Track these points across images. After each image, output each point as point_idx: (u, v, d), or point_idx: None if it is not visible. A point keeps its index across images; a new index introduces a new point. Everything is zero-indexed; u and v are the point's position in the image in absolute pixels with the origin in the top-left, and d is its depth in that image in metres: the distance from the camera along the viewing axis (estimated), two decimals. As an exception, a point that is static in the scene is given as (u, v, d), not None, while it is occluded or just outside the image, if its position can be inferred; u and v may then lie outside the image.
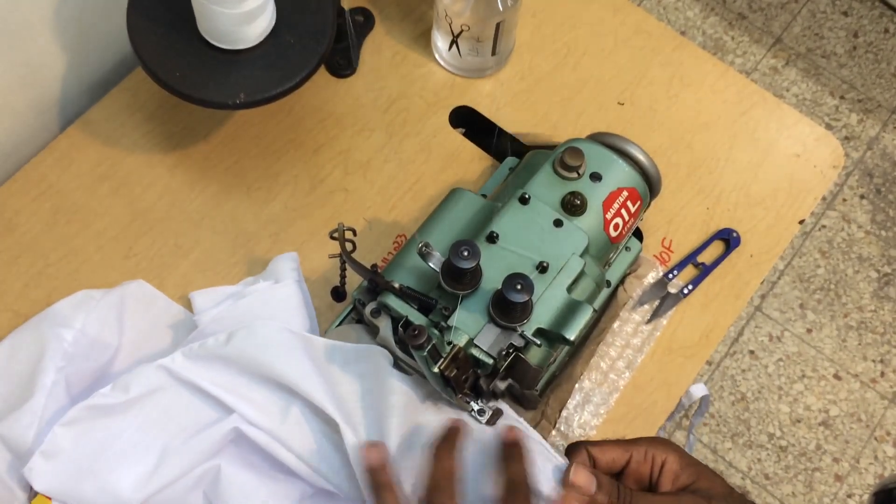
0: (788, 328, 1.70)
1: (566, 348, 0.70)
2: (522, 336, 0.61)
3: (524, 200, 0.67)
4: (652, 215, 0.82)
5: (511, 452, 0.57)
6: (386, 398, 0.63)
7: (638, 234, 0.81)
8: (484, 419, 0.64)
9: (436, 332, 0.61)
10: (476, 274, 0.62)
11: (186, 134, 0.83)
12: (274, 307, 0.72)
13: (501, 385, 0.62)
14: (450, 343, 0.60)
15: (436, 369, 0.59)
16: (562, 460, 0.60)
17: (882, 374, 1.67)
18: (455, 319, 0.61)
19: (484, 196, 0.73)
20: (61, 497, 0.64)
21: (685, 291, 0.79)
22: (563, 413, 0.73)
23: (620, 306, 0.78)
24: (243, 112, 0.83)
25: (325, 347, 0.67)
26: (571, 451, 0.61)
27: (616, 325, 0.77)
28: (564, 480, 0.58)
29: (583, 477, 0.57)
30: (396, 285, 0.63)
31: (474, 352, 0.61)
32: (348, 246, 0.66)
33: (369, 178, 0.82)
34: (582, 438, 0.70)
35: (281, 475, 0.67)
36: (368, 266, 0.64)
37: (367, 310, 0.65)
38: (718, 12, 1.97)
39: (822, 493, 1.59)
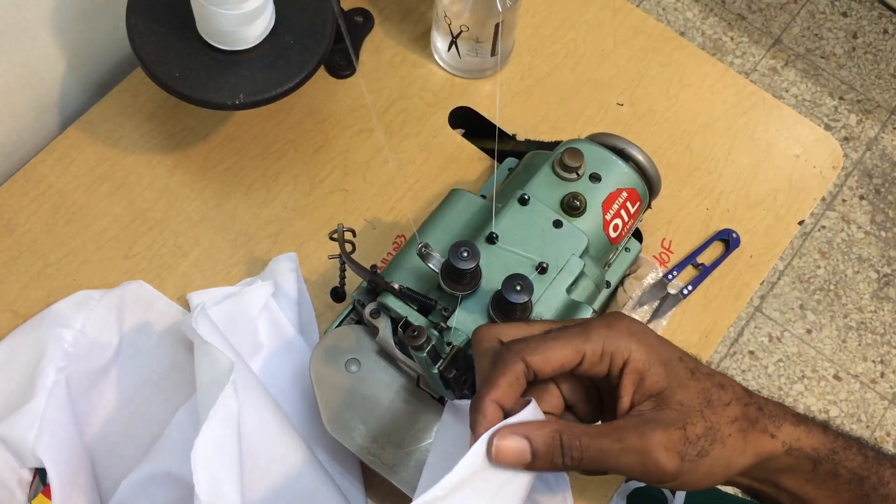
0: (788, 329, 1.70)
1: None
2: (522, 337, 0.61)
3: (524, 201, 0.67)
4: (651, 216, 0.82)
5: None
6: None
7: (637, 235, 0.81)
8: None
9: (435, 332, 0.61)
10: (476, 275, 0.62)
11: (186, 134, 0.83)
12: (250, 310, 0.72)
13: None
14: (449, 344, 0.60)
15: (435, 370, 0.59)
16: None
17: (882, 374, 1.67)
18: (455, 320, 0.61)
19: (483, 197, 0.73)
20: None
21: (685, 292, 0.79)
22: (563, 414, 0.73)
23: (620, 307, 0.78)
24: (243, 112, 0.83)
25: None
26: (500, 365, 0.47)
27: (615, 325, 0.77)
28: (488, 454, 0.45)
29: (511, 450, 0.44)
30: (396, 286, 0.63)
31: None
32: (348, 247, 0.66)
33: (369, 179, 0.82)
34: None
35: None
36: (368, 267, 0.64)
37: (367, 310, 0.65)
38: (718, 13, 1.97)
39: (821, 493, 1.58)
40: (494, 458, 0.45)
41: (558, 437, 0.46)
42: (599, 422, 0.53)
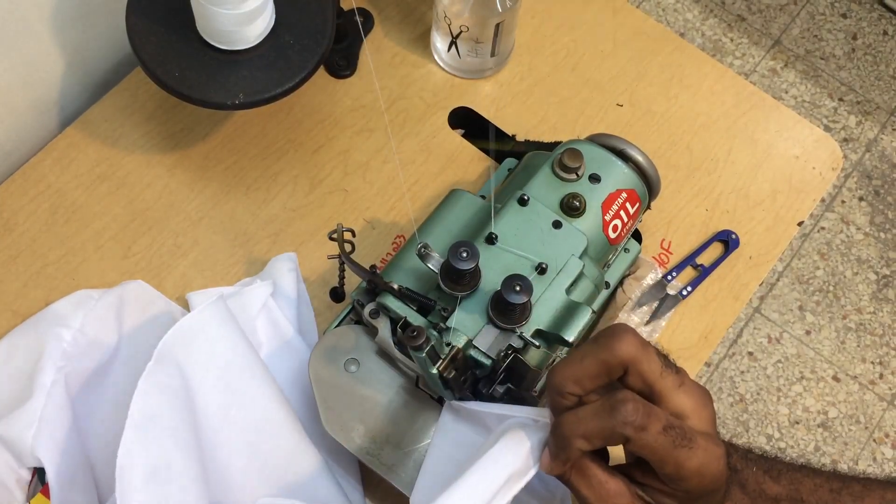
0: (787, 330, 1.70)
1: (565, 350, 0.70)
2: (521, 337, 0.61)
3: (523, 202, 0.67)
4: (651, 217, 0.82)
5: None
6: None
7: (637, 236, 0.81)
8: (482, 420, 0.64)
9: (434, 333, 0.61)
10: (475, 275, 0.62)
11: (185, 134, 0.83)
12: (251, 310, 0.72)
13: (500, 387, 0.62)
14: (448, 344, 0.60)
15: (434, 370, 0.59)
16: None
17: (881, 375, 1.67)
18: (454, 320, 0.61)
19: (483, 197, 0.73)
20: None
21: (684, 293, 0.79)
22: (562, 414, 0.73)
23: (619, 308, 0.78)
24: (242, 112, 0.83)
25: None
26: (615, 416, 0.46)
27: (615, 326, 0.77)
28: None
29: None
30: (395, 286, 0.63)
31: (473, 353, 0.61)
32: (347, 247, 0.66)
33: (368, 179, 0.82)
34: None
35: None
36: (367, 267, 0.64)
37: (366, 311, 0.65)
38: (717, 14, 1.97)
39: (820, 494, 1.58)
40: None
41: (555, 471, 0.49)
42: None
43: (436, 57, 0.87)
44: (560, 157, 0.68)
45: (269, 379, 0.67)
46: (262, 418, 0.65)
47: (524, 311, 0.60)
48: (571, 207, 0.67)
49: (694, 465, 0.47)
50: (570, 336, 0.61)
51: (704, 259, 0.81)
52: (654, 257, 0.81)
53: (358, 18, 0.66)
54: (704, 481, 0.48)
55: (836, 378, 1.67)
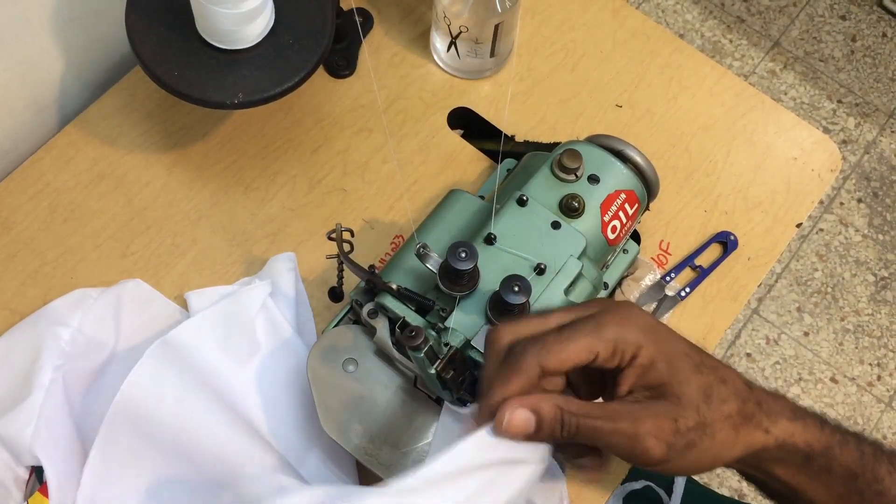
0: (785, 331, 1.70)
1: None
2: (519, 338, 0.61)
3: (522, 202, 0.67)
4: (650, 218, 0.82)
5: None
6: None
7: (635, 237, 0.81)
8: (480, 420, 0.64)
9: (433, 333, 0.61)
10: (474, 275, 0.62)
11: (184, 133, 0.83)
12: (250, 309, 0.72)
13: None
14: (447, 344, 0.60)
15: (433, 370, 0.59)
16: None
17: (878, 377, 1.67)
18: (452, 321, 0.61)
19: (482, 197, 0.73)
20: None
21: (682, 294, 0.79)
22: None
23: (617, 308, 0.78)
24: (242, 112, 0.83)
25: None
26: (515, 367, 0.48)
27: (613, 327, 0.77)
28: (497, 427, 0.47)
29: (520, 420, 0.46)
30: (394, 286, 0.63)
31: (471, 353, 0.61)
32: (346, 247, 0.66)
33: (367, 179, 0.82)
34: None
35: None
36: (366, 267, 0.64)
37: (365, 310, 0.65)
38: (717, 15, 1.97)
39: (817, 496, 1.58)
40: (505, 428, 0.46)
41: (560, 411, 0.47)
42: (599, 398, 0.54)
43: (435, 57, 0.87)
44: (559, 158, 0.68)
45: (207, 429, 0.67)
46: (221, 465, 0.67)
47: (523, 311, 0.60)
48: (570, 208, 0.67)
49: (609, 323, 0.48)
50: (569, 337, 0.61)
51: (703, 260, 0.81)
52: (652, 258, 0.81)
53: (338, 19, 0.65)
54: (632, 327, 0.49)
55: (833, 380, 1.67)
